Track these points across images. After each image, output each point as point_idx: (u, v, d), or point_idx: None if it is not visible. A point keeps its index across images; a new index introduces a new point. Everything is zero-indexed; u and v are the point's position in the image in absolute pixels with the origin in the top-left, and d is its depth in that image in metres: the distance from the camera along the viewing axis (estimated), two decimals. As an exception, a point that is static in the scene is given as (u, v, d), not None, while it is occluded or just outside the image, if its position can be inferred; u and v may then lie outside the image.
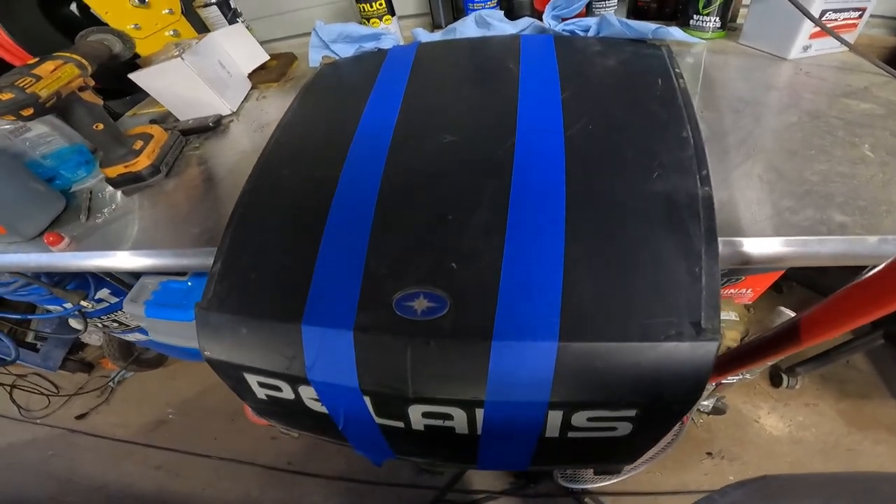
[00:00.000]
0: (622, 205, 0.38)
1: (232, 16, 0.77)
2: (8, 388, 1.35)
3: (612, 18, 0.57)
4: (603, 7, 0.66)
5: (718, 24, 0.64)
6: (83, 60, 0.53)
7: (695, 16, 0.64)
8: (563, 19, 0.66)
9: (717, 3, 0.62)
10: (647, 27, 0.54)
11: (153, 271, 0.62)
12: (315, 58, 0.69)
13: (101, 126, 0.54)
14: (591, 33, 0.61)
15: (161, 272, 0.63)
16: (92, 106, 0.53)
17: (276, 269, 0.40)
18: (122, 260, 0.51)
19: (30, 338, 1.29)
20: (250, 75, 0.74)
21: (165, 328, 0.64)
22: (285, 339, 0.37)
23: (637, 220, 0.37)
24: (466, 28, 0.66)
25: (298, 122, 0.54)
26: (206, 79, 0.63)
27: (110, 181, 0.57)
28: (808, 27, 0.55)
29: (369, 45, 0.68)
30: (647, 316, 0.33)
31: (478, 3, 0.70)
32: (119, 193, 0.58)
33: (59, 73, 0.50)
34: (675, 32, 0.54)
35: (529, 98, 0.48)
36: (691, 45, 0.62)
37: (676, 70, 0.50)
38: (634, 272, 0.35)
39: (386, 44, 0.67)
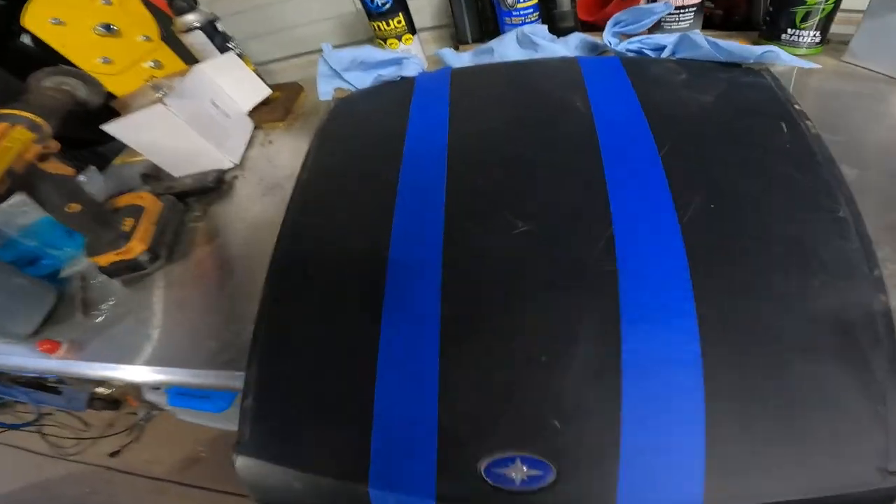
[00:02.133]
0: (774, 328, 0.28)
1: (221, 41, 0.65)
2: (37, 427, 1.33)
3: (698, 38, 0.46)
4: (676, 22, 0.55)
5: (818, 39, 0.53)
6: (37, 119, 0.41)
7: (789, 30, 0.52)
8: (626, 36, 0.54)
9: (821, 15, 0.50)
10: (748, 51, 0.43)
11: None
12: (325, 90, 0.58)
13: (76, 206, 0.42)
14: (664, 54, 0.50)
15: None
16: (61, 180, 0.42)
17: (323, 406, 0.31)
18: (132, 373, 0.41)
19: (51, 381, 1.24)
20: (251, 113, 0.62)
21: (191, 414, 0.56)
22: (351, 505, 0.28)
23: (796, 348, 0.27)
24: (506, 48, 0.55)
25: (320, 183, 0.43)
26: (198, 126, 0.51)
27: (103, 270, 0.46)
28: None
29: (389, 73, 0.57)
30: (817, 468, 0.25)
31: (517, 16, 0.58)
32: (117, 282, 0.47)
33: (6, 144, 0.38)
34: (784, 56, 0.43)
35: (616, 158, 0.37)
36: (790, 69, 0.50)
37: (797, 107, 0.39)
38: (798, 418, 0.26)
39: (409, 70, 0.55)
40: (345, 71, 0.57)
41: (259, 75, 0.65)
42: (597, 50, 0.57)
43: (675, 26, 0.55)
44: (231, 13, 0.73)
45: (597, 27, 0.69)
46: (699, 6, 0.54)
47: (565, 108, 0.42)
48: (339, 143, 0.48)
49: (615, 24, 0.53)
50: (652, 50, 0.51)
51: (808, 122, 0.37)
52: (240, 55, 0.67)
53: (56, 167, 0.41)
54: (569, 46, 0.54)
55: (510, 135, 0.41)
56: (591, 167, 0.36)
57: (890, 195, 0.36)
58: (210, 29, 0.64)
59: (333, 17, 0.76)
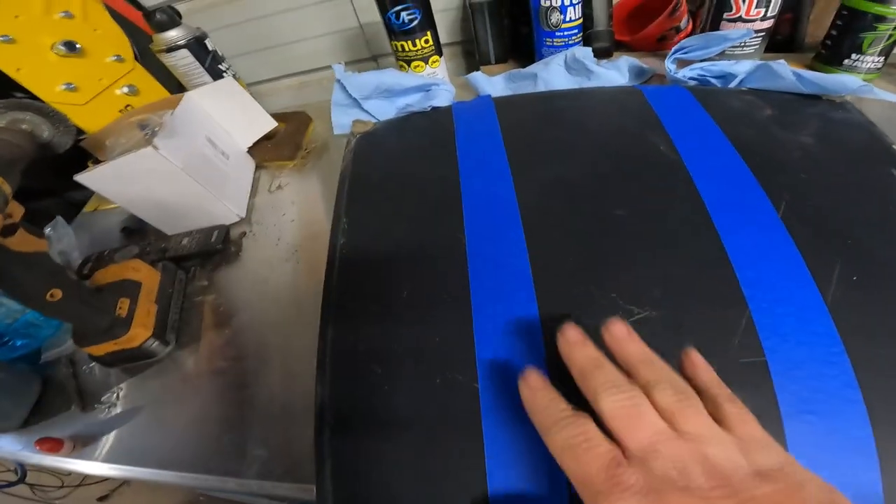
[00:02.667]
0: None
1: (212, 61, 0.56)
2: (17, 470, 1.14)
3: (782, 68, 0.41)
4: (741, 48, 0.50)
5: (880, 65, 0.50)
6: (-10, 178, 0.32)
7: (853, 55, 0.49)
8: (683, 63, 0.49)
9: (888, 41, 0.47)
10: (841, 84, 0.38)
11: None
12: (341, 122, 0.50)
13: (57, 294, 0.31)
14: (733, 83, 0.45)
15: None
16: (33, 260, 0.31)
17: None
18: (156, 475, 0.32)
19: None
20: (252, 150, 0.53)
21: None
22: None
23: None
24: (554, 75, 0.49)
25: (364, 253, 0.35)
26: (196, 173, 0.42)
27: (97, 360, 0.37)
28: None
29: (416, 102, 0.49)
30: None
31: (560, 37, 0.52)
32: (115, 370, 0.38)
33: (-54, 216, 0.29)
34: (879, 92, 0.39)
35: (728, 218, 0.31)
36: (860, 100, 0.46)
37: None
38: None
39: (441, 99, 0.48)
40: (365, 99, 0.49)
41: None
42: (644, 76, 0.52)
43: (738, 52, 0.50)
44: (216, 27, 0.64)
45: (631, 48, 0.64)
46: (768, 31, 0.49)
47: (648, 152, 0.36)
48: (375, 195, 0.39)
49: (679, 50, 0.47)
50: (716, 78, 0.46)
51: None
52: (234, 76, 0.58)
53: (24, 243, 0.30)
54: (622, 71, 0.48)
55: (592, 189, 0.35)
56: (702, 230, 0.30)
57: None
58: (197, 47, 0.54)
59: (334, 33, 0.68)
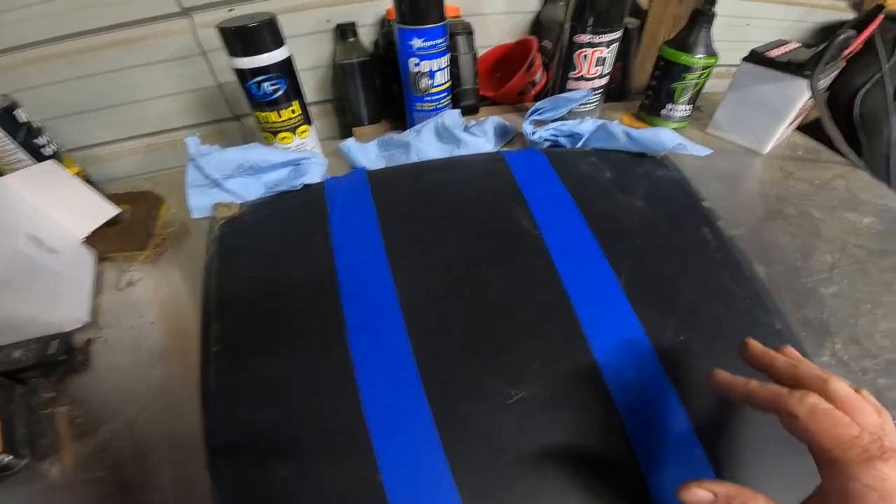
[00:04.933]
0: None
1: (27, 136, 0.47)
2: None
3: (615, 128, 0.47)
4: (584, 105, 0.57)
5: (689, 112, 0.60)
6: None
7: (668, 105, 0.59)
8: (540, 122, 0.54)
9: (695, 88, 0.57)
10: (660, 144, 0.45)
11: None
12: (200, 204, 0.44)
13: None
14: (580, 143, 0.51)
15: None
16: None
17: None
18: None
19: None
20: (92, 240, 0.45)
21: None
22: None
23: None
24: (426, 144, 0.50)
25: (242, 360, 0.32)
26: (19, 282, 0.35)
27: None
28: (789, 120, 0.54)
29: (285, 179, 0.47)
30: None
31: (430, 101, 0.54)
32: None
33: None
34: (690, 148, 0.47)
35: (583, 294, 0.34)
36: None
37: (706, 205, 0.42)
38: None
39: (313, 174, 0.46)
40: (227, 178, 0.45)
41: (92, 183, 0.49)
42: (508, 135, 0.56)
43: (583, 109, 0.57)
44: (38, 84, 0.55)
45: (496, 102, 0.69)
46: (606, 86, 0.57)
47: (514, 229, 0.39)
48: (248, 295, 0.36)
49: (534, 112, 0.52)
50: (566, 137, 0.52)
51: (719, 224, 0.40)
52: (56, 154, 0.50)
53: None
54: (488, 136, 0.52)
55: (467, 274, 0.36)
56: (563, 312, 0.33)
57: (796, 289, 0.41)
58: (7, 120, 0.45)
59: (189, 92, 0.62)
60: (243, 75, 0.44)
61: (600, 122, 0.50)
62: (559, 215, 0.40)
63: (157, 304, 0.42)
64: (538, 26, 0.71)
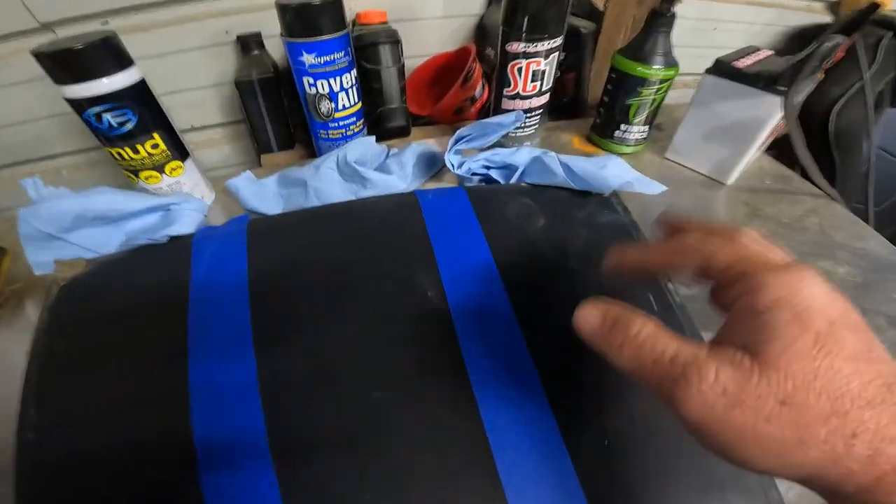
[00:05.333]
0: None
1: None
2: None
3: (552, 162, 0.39)
4: (521, 128, 0.48)
5: (645, 134, 0.52)
6: None
7: (622, 125, 0.51)
8: (469, 150, 0.46)
9: (653, 106, 0.49)
10: (604, 182, 0.37)
11: None
12: (40, 259, 0.35)
13: None
14: (514, 178, 0.42)
15: None
16: None
17: None
18: None
19: None
20: None
21: None
22: None
23: None
24: (325, 184, 0.41)
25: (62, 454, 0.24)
26: None
27: None
28: (757, 145, 0.46)
29: (152, 224, 0.38)
30: None
31: (335, 128, 0.45)
32: None
33: None
34: (639, 186, 0.39)
35: (490, 397, 0.27)
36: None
37: None
38: None
39: (183, 223, 0.38)
40: (67, 231, 0.36)
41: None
42: (435, 167, 0.48)
43: (519, 133, 0.49)
44: None
45: (432, 121, 0.61)
46: (545, 108, 0.49)
47: (418, 306, 0.31)
48: (79, 379, 0.28)
49: (459, 140, 0.44)
50: (499, 169, 0.43)
51: (670, 286, 0.33)
52: None
53: None
54: (405, 170, 0.43)
55: (350, 368, 0.28)
56: (467, 418, 0.26)
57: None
58: None
59: (52, 116, 0.52)
60: (78, 105, 0.35)
61: (537, 151, 0.42)
62: (474, 284, 0.32)
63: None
64: (482, 32, 0.63)
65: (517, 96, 0.47)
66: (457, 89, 0.55)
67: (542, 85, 0.45)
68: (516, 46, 0.42)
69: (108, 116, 0.36)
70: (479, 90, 0.58)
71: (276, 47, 0.54)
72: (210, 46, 0.51)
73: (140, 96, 0.37)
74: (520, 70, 0.43)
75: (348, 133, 0.45)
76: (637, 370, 0.17)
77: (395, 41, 0.52)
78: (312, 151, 0.54)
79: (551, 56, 0.43)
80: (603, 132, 0.53)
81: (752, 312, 0.15)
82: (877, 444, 0.13)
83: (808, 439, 0.13)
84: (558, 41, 0.43)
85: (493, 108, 0.49)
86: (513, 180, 0.42)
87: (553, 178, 0.39)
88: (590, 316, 0.19)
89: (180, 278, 0.33)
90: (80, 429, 0.26)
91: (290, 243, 0.35)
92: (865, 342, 0.14)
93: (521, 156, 0.42)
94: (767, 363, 0.14)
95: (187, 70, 0.51)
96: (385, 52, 0.51)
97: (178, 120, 0.41)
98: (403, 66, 0.53)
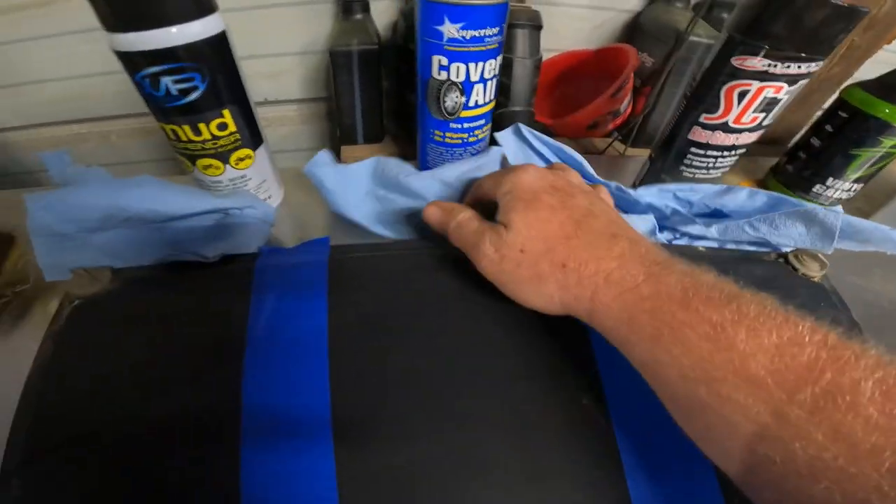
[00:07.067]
0: None
1: None
2: None
3: (832, 219, 0.27)
4: (707, 171, 0.35)
5: (851, 195, 0.39)
6: None
7: (831, 179, 0.37)
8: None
9: (880, 164, 0.35)
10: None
11: None
12: (54, 261, 0.25)
13: None
14: (713, 230, 0.30)
15: None
16: None
17: None
18: None
19: None
20: None
21: None
22: None
23: None
24: (422, 181, 0.30)
25: None
26: None
27: None
28: None
29: (201, 237, 0.28)
30: None
31: (458, 131, 0.33)
32: None
33: None
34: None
35: None
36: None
37: None
38: None
39: (244, 237, 0.28)
40: (91, 233, 0.26)
41: None
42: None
43: (704, 175, 0.35)
44: None
45: (553, 133, 0.48)
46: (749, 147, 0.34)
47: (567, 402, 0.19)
48: (82, 443, 0.19)
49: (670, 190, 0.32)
50: (683, 208, 0.31)
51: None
52: None
53: None
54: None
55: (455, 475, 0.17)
56: None
57: None
58: None
59: (111, 73, 0.43)
60: (130, 64, 0.24)
61: (775, 195, 0.29)
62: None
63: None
64: (634, 33, 0.50)
65: (722, 127, 0.32)
66: (605, 100, 0.42)
67: (764, 118, 0.31)
68: (754, 63, 0.29)
69: (167, 81, 0.25)
70: (625, 105, 0.46)
71: (382, 12, 0.43)
72: (305, 3, 0.41)
73: (217, 56, 0.26)
74: (743, 94, 0.30)
75: (470, 139, 0.33)
76: (459, 241, 0.24)
77: (537, 26, 0.40)
78: (404, 148, 0.43)
79: (798, 83, 0.29)
80: (795, 182, 0.39)
81: (500, 200, 0.23)
82: (581, 269, 0.19)
83: (542, 273, 0.20)
84: (819, 65, 0.29)
85: (664, 133, 0.36)
86: (711, 231, 0.30)
87: (792, 234, 0.27)
88: (433, 210, 0.26)
89: (235, 319, 0.23)
90: None
91: (389, 291, 0.24)
92: (560, 198, 0.22)
93: (736, 199, 0.30)
94: (509, 226, 0.22)
95: (275, 30, 0.41)
96: (522, 39, 0.39)
97: (252, 92, 0.30)
98: (541, 59, 0.41)
